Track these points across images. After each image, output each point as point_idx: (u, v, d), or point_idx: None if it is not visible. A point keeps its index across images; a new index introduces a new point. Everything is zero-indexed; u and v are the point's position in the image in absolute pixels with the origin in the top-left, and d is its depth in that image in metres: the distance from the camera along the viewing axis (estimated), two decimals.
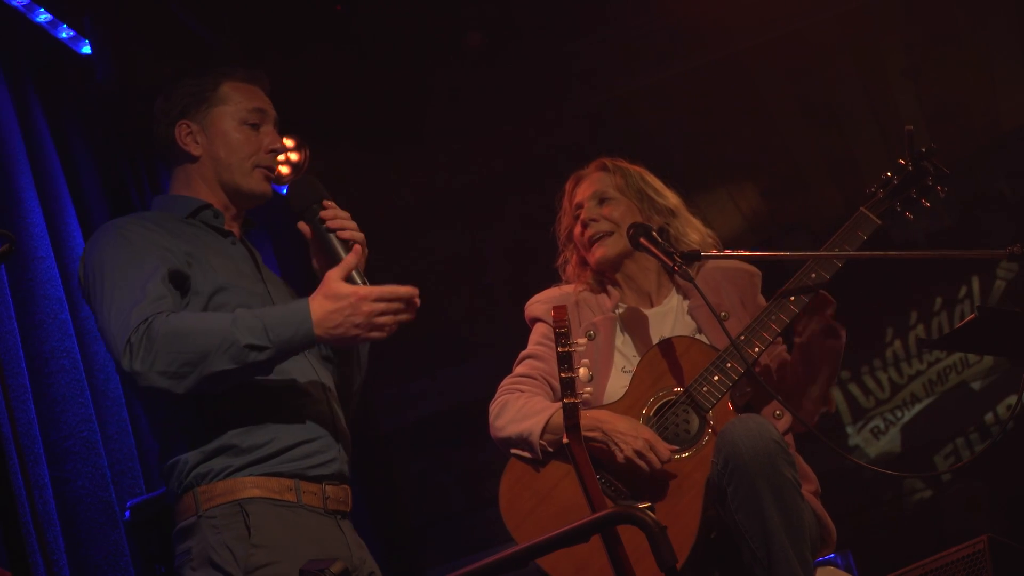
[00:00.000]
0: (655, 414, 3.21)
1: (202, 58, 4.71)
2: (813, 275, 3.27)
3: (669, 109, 6.07)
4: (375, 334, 2.63)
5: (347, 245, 2.72)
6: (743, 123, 6.10)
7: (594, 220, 3.45)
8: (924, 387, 6.37)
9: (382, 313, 2.61)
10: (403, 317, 2.66)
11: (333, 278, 2.62)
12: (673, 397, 3.22)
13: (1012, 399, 6.17)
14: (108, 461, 3.88)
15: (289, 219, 2.78)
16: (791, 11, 5.74)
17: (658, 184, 3.55)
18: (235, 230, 2.92)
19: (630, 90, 6.07)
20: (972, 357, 6.32)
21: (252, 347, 2.53)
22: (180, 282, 2.68)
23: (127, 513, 2.86)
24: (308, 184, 2.81)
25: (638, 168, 3.57)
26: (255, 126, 2.91)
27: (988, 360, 6.27)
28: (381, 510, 6.01)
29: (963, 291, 6.39)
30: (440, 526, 6.33)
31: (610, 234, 3.44)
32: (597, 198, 3.49)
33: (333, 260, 2.70)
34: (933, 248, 5.99)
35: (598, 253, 3.45)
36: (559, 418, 3.06)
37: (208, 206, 2.85)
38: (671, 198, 3.53)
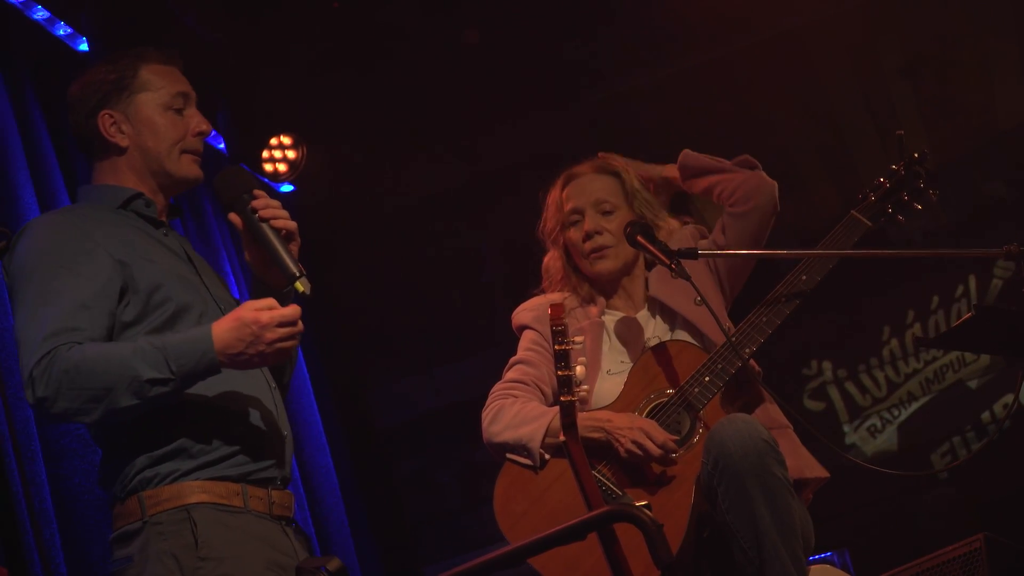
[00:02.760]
0: (647, 415, 3.22)
1: (200, 56, 4.71)
2: (804, 277, 3.29)
3: (667, 108, 6.07)
4: (279, 359, 2.58)
5: (280, 234, 2.67)
6: (740, 122, 6.09)
7: (598, 233, 3.43)
8: (921, 386, 6.37)
9: (287, 338, 2.55)
10: (297, 340, 2.59)
11: (246, 306, 2.56)
12: (665, 399, 3.23)
13: (1009, 398, 6.17)
14: None
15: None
16: (789, 11, 5.74)
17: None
18: (164, 219, 2.85)
19: (628, 89, 6.07)
20: (969, 356, 6.31)
21: (154, 381, 2.48)
22: (115, 288, 2.61)
23: None
24: (235, 174, 2.76)
25: (628, 165, 3.57)
26: (179, 111, 2.82)
27: (985, 359, 6.27)
28: (378, 508, 6.01)
29: (960, 290, 6.39)
30: (437, 524, 6.32)
31: (613, 247, 3.44)
32: (598, 208, 3.46)
33: (269, 250, 2.66)
34: (930, 247, 5.99)
35: (601, 267, 3.44)
36: (557, 423, 3.07)
37: (139, 195, 2.77)
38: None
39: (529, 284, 3.65)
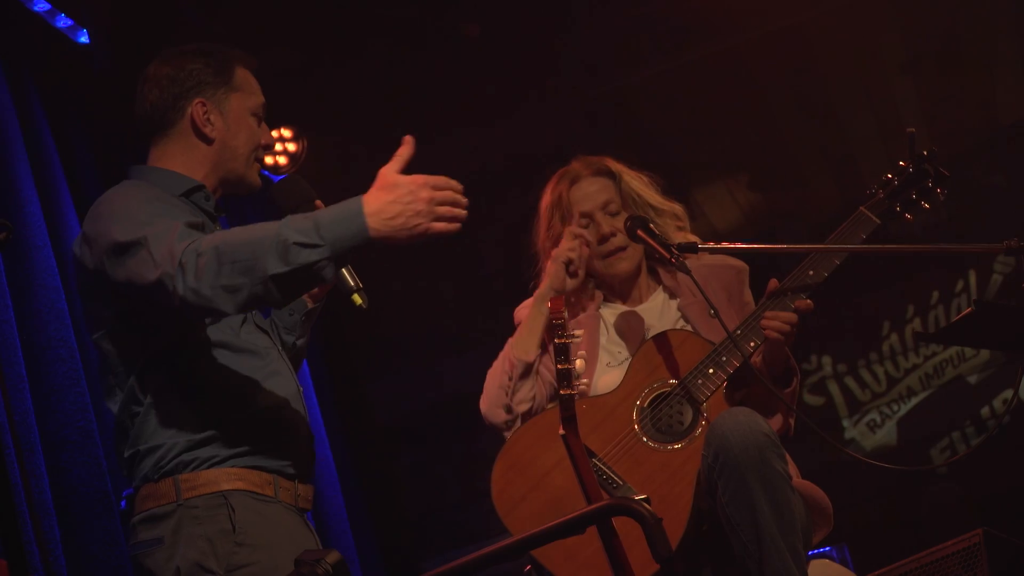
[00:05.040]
0: (649, 405, 3.22)
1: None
2: (811, 272, 3.27)
3: (667, 103, 6.07)
4: (439, 225, 2.42)
5: None
6: (741, 117, 6.09)
7: (613, 235, 3.45)
8: (920, 381, 6.38)
9: (442, 202, 2.43)
10: (459, 212, 2.45)
11: (386, 171, 2.44)
12: (668, 389, 3.23)
13: (1008, 393, 6.18)
14: (104, 451, 3.88)
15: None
16: (790, 5, 5.74)
17: (644, 180, 3.56)
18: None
19: (628, 84, 6.07)
20: (968, 351, 6.33)
21: (301, 244, 2.35)
22: None
23: (123, 503, 2.86)
24: (295, 183, 2.81)
25: (622, 166, 3.57)
26: (259, 119, 2.88)
27: (984, 354, 6.28)
28: (377, 501, 6.02)
29: (960, 285, 6.40)
30: (437, 517, 6.34)
31: (628, 247, 3.46)
32: (607, 210, 3.48)
33: None
34: (930, 242, 6.00)
35: (620, 267, 3.46)
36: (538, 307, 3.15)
37: (202, 187, 2.79)
38: (655, 197, 3.55)
39: (527, 279, 3.65)
